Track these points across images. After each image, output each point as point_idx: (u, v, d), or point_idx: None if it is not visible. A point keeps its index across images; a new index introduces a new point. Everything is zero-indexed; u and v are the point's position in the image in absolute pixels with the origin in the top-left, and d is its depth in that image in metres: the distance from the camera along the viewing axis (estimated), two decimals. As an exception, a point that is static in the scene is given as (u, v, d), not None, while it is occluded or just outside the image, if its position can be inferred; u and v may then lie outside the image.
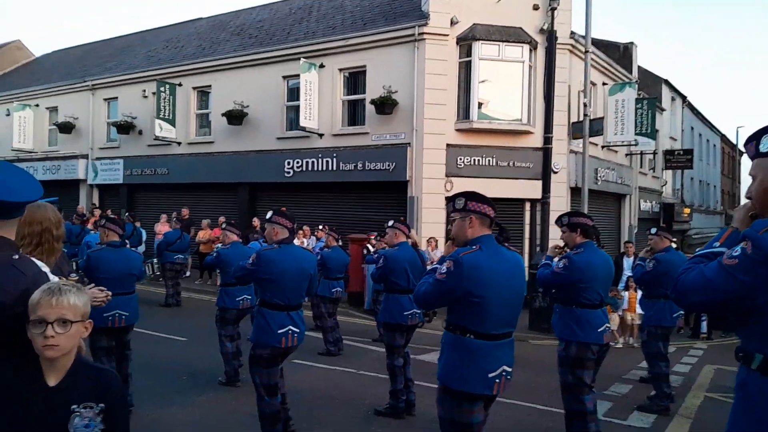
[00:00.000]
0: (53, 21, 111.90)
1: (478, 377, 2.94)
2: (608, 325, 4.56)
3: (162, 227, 14.19)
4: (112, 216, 6.74)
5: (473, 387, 2.95)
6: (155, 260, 11.76)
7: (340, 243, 9.08)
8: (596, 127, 14.45)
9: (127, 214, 14.05)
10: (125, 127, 18.33)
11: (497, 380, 2.97)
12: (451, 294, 2.97)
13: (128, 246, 5.78)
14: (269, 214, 4.58)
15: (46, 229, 2.57)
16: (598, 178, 15.51)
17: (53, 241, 2.61)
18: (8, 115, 21.21)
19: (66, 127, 19.97)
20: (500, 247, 3.10)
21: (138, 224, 14.30)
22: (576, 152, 14.05)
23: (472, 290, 2.91)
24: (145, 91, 18.17)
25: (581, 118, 13.80)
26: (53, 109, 21.16)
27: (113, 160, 19.08)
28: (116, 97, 19.32)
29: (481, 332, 2.97)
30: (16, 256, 1.95)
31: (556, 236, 12.01)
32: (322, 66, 14.60)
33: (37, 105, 21.30)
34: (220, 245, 7.44)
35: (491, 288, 2.94)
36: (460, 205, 3.12)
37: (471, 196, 3.14)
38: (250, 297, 6.64)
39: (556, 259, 4.59)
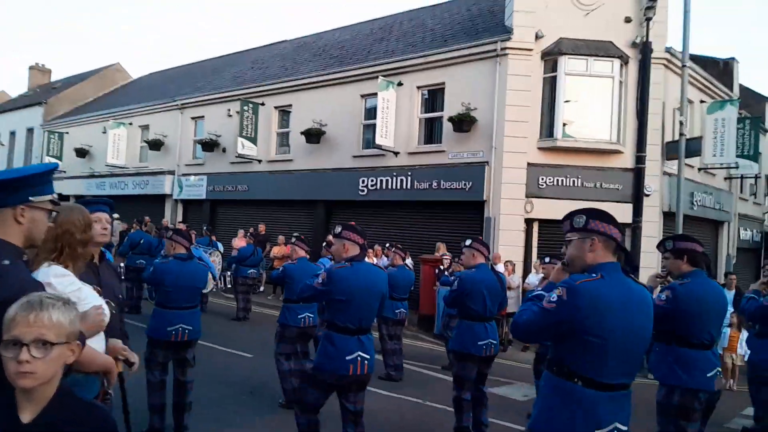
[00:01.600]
0: (151, 45, 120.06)
1: None
2: (719, 369, 3.84)
3: (239, 242, 14.37)
4: (179, 228, 6.70)
5: None
6: (228, 273, 11.81)
7: (408, 262, 8.65)
8: (694, 147, 13.34)
9: (205, 228, 14.32)
10: (210, 145, 18.90)
11: None
12: (560, 328, 2.47)
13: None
14: (338, 229, 4.19)
15: (67, 232, 2.36)
16: (694, 203, 14.28)
17: (76, 246, 2.39)
18: (104, 132, 22.51)
19: (155, 144, 20.89)
20: (626, 277, 2.56)
21: (214, 238, 14.57)
22: (670, 174, 12.99)
23: (587, 327, 2.40)
24: (229, 110, 18.68)
25: (676, 138, 12.80)
26: (145, 127, 22.25)
27: (198, 176, 19.69)
28: (203, 116, 20.02)
29: (595, 380, 2.42)
30: (6, 262, 1.68)
31: (648, 264, 11.19)
32: (400, 84, 14.40)
33: (130, 123, 22.49)
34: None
35: (612, 327, 2.40)
36: (580, 223, 2.63)
37: (594, 213, 2.64)
38: (312, 315, 6.36)
39: (657, 290, 3.93)
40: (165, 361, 5.12)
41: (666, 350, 3.84)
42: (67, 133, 25.73)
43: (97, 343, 2.44)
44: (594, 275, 2.48)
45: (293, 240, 6.85)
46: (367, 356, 3.96)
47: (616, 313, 2.41)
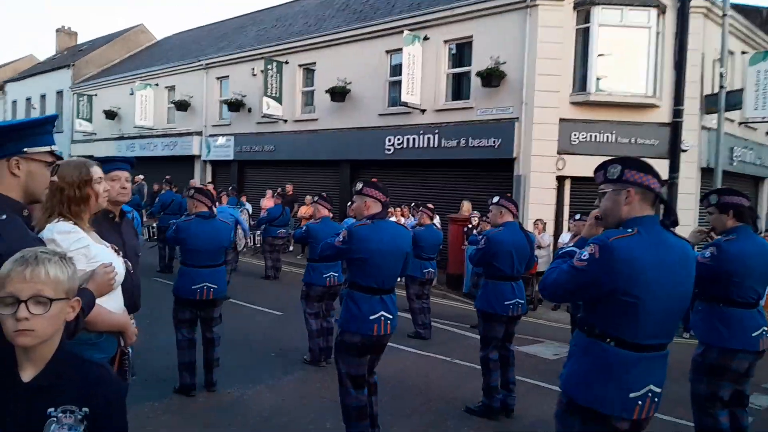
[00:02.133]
0: (175, 5, 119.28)
1: (615, 396, 2.28)
2: (766, 328, 3.65)
3: (267, 202, 14.39)
4: (200, 186, 6.66)
5: (608, 407, 2.28)
6: (258, 233, 11.87)
7: (436, 221, 8.52)
8: (734, 100, 12.76)
9: (231, 188, 14.37)
10: (236, 105, 18.82)
11: (640, 402, 2.28)
12: (592, 288, 2.30)
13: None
14: (359, 186, 4.03)
15: (59, 189, 2.28)
16: (734, 159, 13.74)
17: (69, 203, 2.31)
18: (131, 94, 22.59)
19: (182, 105, 20.89)
20: (665, 232, 2.36)
21: (243, 198, 14.63)
22: (709, 129, 12.50)
23: (622, 287, 2.22)
24: (254, 69, 18.49)
25: (716, 91, 12.24)
26: (171, 88, 22.23)
27: (225, 137, 19.69)
28: (227, 76, 19.89)
29: (628, 341, 2.27)
30: (3, 216, 1.61)
31: (685, 222, 10.83)
32: (426, 38, 13.99)
33: (156, 84, 22.48)
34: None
35: (649, 286, 2.22)
36: (615, 173, 2.41)
37: (630, 162, 2.42)
38: (337, 274, 6.32)
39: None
40: (192, 318, 5.13)
41: (709, 310, 3.66)
42: (95, 95, 25.91)
43: (112, 302, 2.39)
44: (629, 230, 2.29)
45: (315, 199, 6.77)
46: (390, 316, 3.85)
47: (653, 272, 2.23)
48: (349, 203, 7.41)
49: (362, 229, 3.80)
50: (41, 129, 2.11)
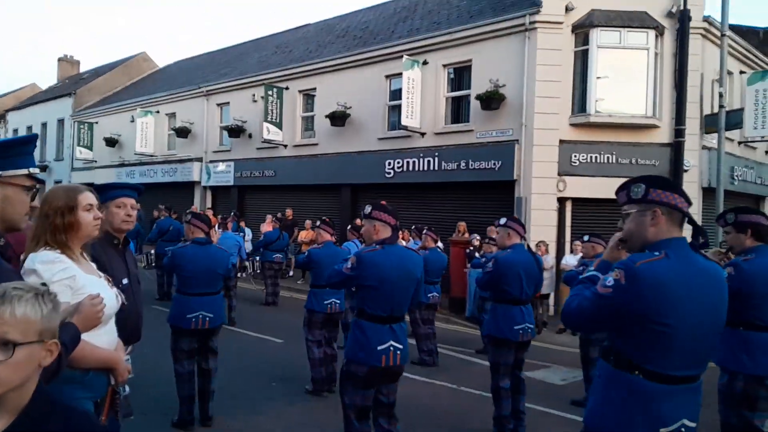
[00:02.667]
0: (178, 34, 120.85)
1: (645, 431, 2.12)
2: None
3: (267, 227, 14.29)
4: (197, 212, 6.58)
5: None
6: (257, 258, 11.77)
7: (440, 244, 8.42)
8: (734, 119, 12.79)
9: (232, 213, 14.31)
10: (236, 131, 18.86)
11: None
12: (618, 317, 2.15)
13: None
14: (368, 209, 3.86)
15: (44, 216, 2.18)
16: (735, 178, 13.70)
17: (55, 231, 2.19)
18: (132, 121, 22.68)
19: (182, 132, 20.94)
20: (695, 255, 2.23)
21: (243, 224, 14.53)
22: (709, 148, 12.48)
23: (650, 314, 2.08)
24: (254, 95, 18.57)
25: (716, 110, 12.27)
26: (172, 115, 22.32)
27: (225, 163, 19.70)
28: (228, 102, 19.97)
29: (657, 372, 2.11)
30: None
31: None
32: (425, 63, 14.06)
33: (157, 111, 22.58)
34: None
35: (680, 312, 2.08)
36: (639, 193, 2.27)
37: (655, 181, 2.29)
38: (339, 301, 6.21)
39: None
40: (191, 348, 4.99)
41: (729, 333, 3.45)
42: (96, 123, 26.02)
43: (103, 336, 2.27)
44: (657, 254, 2.14)
45: (318, 224, 6.68)
46: (400, 346, 3.69)
47: (684, 298, 2.09)
48: (349, 226, 7.31)
49: (372, 254, 3.67)
50: (18, 150, 1.99)
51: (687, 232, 2.30)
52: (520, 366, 5.03)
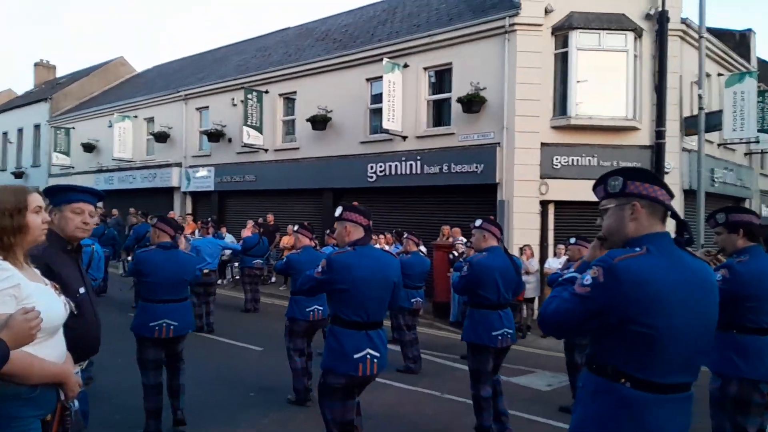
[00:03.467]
0: (156, 39, 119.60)
1: None
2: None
3: (247, 233, 14.08)
4: (164, 215, 6.38)
5: None
6: (236, 265, 11.57)
7: (422, 248, 8.29)
8: (714, 121, 12.90)
9: (209, 219, 14.06)
10: (215, 136, 18.62)
11: None
12: (598, 318, 1.99)
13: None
14: (338, 211, 3.73)
15: None
16: (715, 180, 13.79)
17: (1, 235, 2.03)
18: (110, 126, 22.31)
19: (161, 137, 20.63)
20: (680, 251, 2.07)
21: (223, 230, 14.29)
22: (689, 151, 12.55)
23: (633, 315, 1.92)
24: (234, 99, 18.36)
25: (695, 113, 12.34)
26: (150, 120, 22.00)
27: (205, 168, 19.43)
28: (207, 106, 19.72)
29: (645, 379, 1.95)
30: None
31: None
32: (406, 66, 13.98)
33: (135, 116, 22.24)
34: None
35: (665, 312, 1.92)
36: (617, 186, 2.14)
37: (632, 173, 2.14)
38: (322, 308, 6.03)
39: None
40: (157, 358, 4.79)
41: (722, 337, 3.26)
42: (73, 128, 25.58)
43: (48, 349, 2.10)
44: (638, 249, 2.00)
45: (296, 228, 6.52)
46: (378, 354, 3.53)
47: (669, 296, 1.93)
48: (327, 231, 7.13)
49: (343, 257, 3.51)
50: None
51: (669, 228, 2.19)
52: (496, 370, 4.89)
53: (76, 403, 2.30)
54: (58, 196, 2.88)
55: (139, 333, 4.72)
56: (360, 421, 3.79)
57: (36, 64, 34.18)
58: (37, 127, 28.79)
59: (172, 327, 4.71)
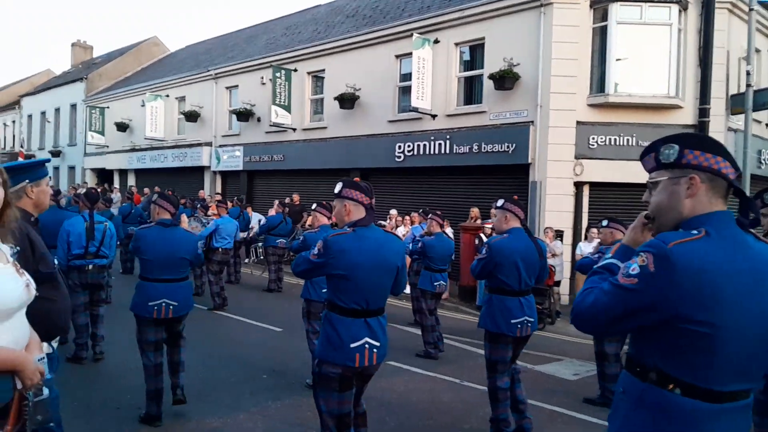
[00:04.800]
0: (190, 18, 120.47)
1: None
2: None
3: (273, 213, 13.96)
4: (165, 192, 6.23)
5: None
6: (260, 245, 11.46)
7: (448, 230, 7.94)
8: (762, 99, 12.03)
9: (235, 198, 14.00)
10: (245, 115, 18.51)
11: None
12: (646, 314, 1.65)
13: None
14: (338, 187, 3.38)
15: None
16: (762, 161, 13.01)
17: None
18: (142, 105, 22.43)
19: (192, 116, 20.64)
20: (744, 234, 1.72)
21: (249, 210, 14.20)
22: (735, 130, 11.82)
23: (688, 311, 1.59)
24: (263, 78, 18.18)
25: (742, 90, 11.58)
26: (181, 99, 22.03)
27: (234, 147, 19.38)
28: (237, 85, 19.61)
29: (700, 387, 1.63)
30: None
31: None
32: (436, 41, 13.51)
33: (167, 95, 22.30)
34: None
35: (728, 308, 1.58)
36: (671, 156, 1.78)
37: (691, 140, 1.78)
38: (338, 290, 5.77)
39: None
40: (157, 339, 4.62)
41: None
42: (108, 107, 25.86)
43: (2, 334, 1.89)
44: (695, 232, 1.66)
45: (314, 207, 6.26)
46: (377, 343, 3.22)
47: (733, 289, 1.60)
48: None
49: (341, 239, 3.18)
50: None
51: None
52: (514, 360, 4.54)
53: (45, 391, 2.09)
54: (37, 170, 2.93)
55: (138, 313, 4.55)
56: (362, 412, 3.51)
57: (73, 45, 34.66)
58: (73, 106, 29.25)
59: (171, 307, 4.52)
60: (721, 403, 1.62)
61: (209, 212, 11.68)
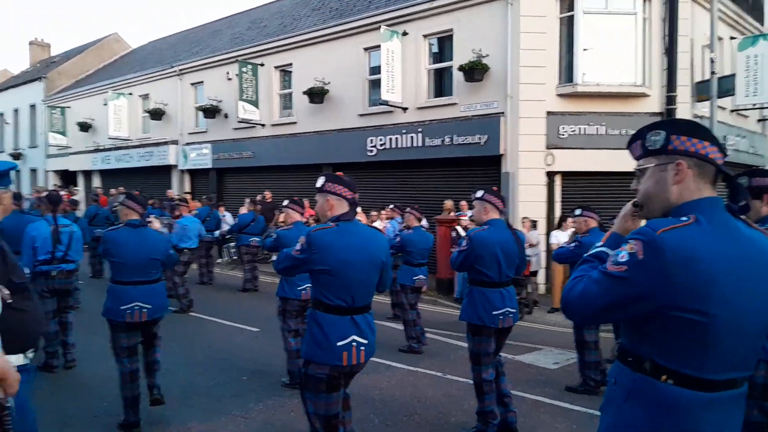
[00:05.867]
0: (152, 14, 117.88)
1: None
2: None
3: (244, 211, 13.73)
4: (132, 193, 6.06)
5: None
6: (232, 244, 11.26)
7: (424, 223, 7.90)
8: (726, 86, 12.34)
9: (204, 197, 13.73)
10: (211, 111, 18.17)
11: None
12: (636, 304, 1.63)
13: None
14: (320, 181, 3.32)
15: None
16: (728, 147, 13.30)
17: None
18: (105, 104, 21.84)
19: (156, 114, 20.21)
20: (734, 220, 1.70)
21: (221, 209, 13.95)
22: (701, 117, 12.03)
23: (680, 299, 1.56)
24: (228, 73, 17.86)
25: (706, 77, 11.83)
26: (145, 97, 21.53)
27: (202, 145, 19.02)
28: (202, 81, 19.23)
29: (692, 376, 1.61)
30: None
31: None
32: (405, 33, 13.44)
33: (130, 93, 21.77)
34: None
35: (721, 295, 1.56)
36: (658, 142, 1.75)
37: (677, 126, 1.76)
38: (314, 287, 5.68)
39: None
40: (131, 344, 4.48)
41: None
42: (69, 107, 25.13)
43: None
44: (684, 219, 1.64)
45: (285, 204, 6.14)
46: (365, 341, 3.15)
47: (724, 275, 1.57)
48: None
49: (324, 233, 3.11)
50: None
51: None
52: (498, 351, 4.53)
53: (11, 400, 2.00)
54: (8, 175, 2.81)
55: (110, 317, 4.39)
56: (348, 416, 3.44)
57: (31, 43, 33.56)
58: (32, 107, 28.37)
59: (144, 310, 4.39)
60: (714, 392, 1.61)
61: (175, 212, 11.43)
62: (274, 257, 12.19)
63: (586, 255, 1.90)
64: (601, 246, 1.89)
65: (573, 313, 1.80)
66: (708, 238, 1.60)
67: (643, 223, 1.82)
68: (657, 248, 1.57)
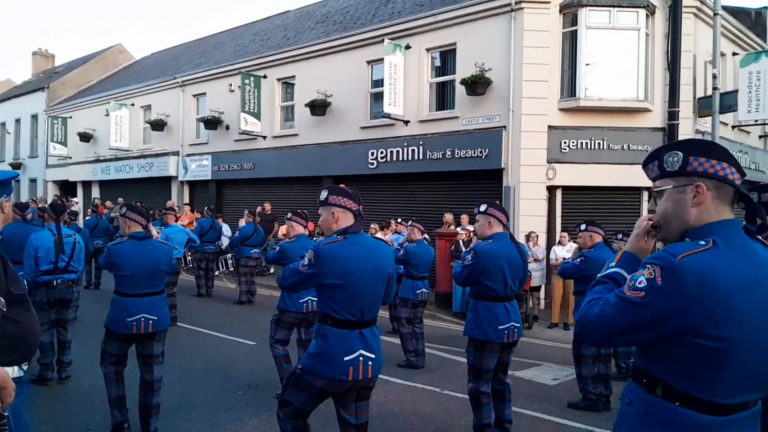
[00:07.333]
0: (156, 25, 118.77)
1: None
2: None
3: (244, 223, 13.67)
4: (133, 203, 6.00)
5: None
6: (229, 255, 11.17)
7: (426, 236, 7.83)
8: (728, 102, 12.33)
9: (206, 208, 13.66)
10: (213, 123, 18.16)
11: None
12: (653, 328, 1.59)
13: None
14: (324, 194, 3.22)
15: None
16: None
17: None
18: (107, 115, 21.86)
19: (158, 125, 20.20)
20: (752, 242, 1.67)
21: (220, 220, 13.88)
22: (703, 133, 12.02)
23: (699, 325, 1.53)
24: (231, 85, 17.89)
25: (709, 93, 11.81)
26: (147, 108, 21.55)
27: (202, 156, 19.00)
28: (204, 93, 19.25)
29: (710, 401, 1.57)
30: None
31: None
32: (408, 47, 13.47)
33: (132, 104, 21.80)
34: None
35: (738, 322, 1.52)
36: (675, 163, 1.72)
37: (695, 147, 1.72)
38: (316, 299, 5.58)
39: None
40: (121, 353, 4.43)
41: None
42: (70, 117, 25.15)
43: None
44: (703, 243, 1.60)
45: (289, 216, 6.08)
46: (372, 355, 3.08)
47: (742, 300, 1.53)
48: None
49: (333, 246, 3.05)
50: None
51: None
52: (505, 370, 4.45)
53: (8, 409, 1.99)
54: (10, 184, 2.75)
55: (116, 330, 4.34)
56: (364, 422, 3.34)
57: (34, 53, 33.71)
58: (34, 117, 28.41)
59: (151, 322, 4.34)
60: (729, 416, 1.57)
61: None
62: (273, 269, 12.14)
63: (599, 275, 1.86)
64: (614, 266, 1.84)
65: (589, 335, 1.76)
66: (726, 263, 1.57)
67: (652, 243, 1.78)
68: (675, 274, 1.55)
